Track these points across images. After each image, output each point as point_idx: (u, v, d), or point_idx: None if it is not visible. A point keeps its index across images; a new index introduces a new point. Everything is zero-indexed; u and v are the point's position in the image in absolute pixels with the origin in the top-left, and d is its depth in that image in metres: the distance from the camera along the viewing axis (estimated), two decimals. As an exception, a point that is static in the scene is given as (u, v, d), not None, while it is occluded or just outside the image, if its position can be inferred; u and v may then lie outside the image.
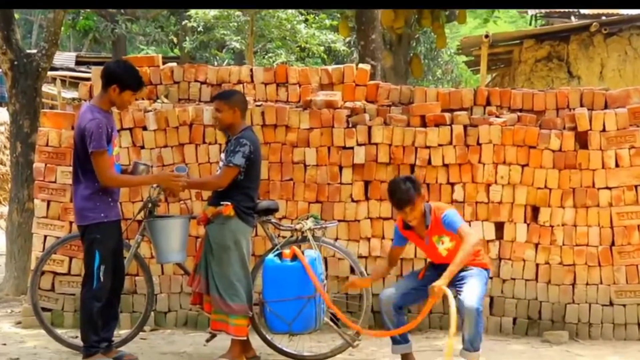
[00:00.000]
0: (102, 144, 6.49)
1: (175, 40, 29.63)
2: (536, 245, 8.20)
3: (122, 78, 6.67)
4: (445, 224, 6.61)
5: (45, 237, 8.34)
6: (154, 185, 7.25)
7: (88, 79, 9.05)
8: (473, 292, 6.50)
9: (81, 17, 29.88)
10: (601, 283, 8.14)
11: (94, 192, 6.62)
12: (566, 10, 18.20)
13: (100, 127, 6.51)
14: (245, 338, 6.93)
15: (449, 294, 6.30)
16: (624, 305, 8.12)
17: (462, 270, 6.56)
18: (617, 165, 8.10)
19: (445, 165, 8.20)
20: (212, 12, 22.51)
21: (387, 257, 7.18)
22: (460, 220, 6.68)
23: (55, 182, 8.34)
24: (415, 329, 7.98)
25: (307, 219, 7.25)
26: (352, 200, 8.34)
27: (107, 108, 6.73)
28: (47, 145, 8.39)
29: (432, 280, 6.50)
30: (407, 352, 6.88)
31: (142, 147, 8.40)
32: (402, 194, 6.59)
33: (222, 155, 7.02)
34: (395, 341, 6.84)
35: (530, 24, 22.48)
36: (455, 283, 6.56)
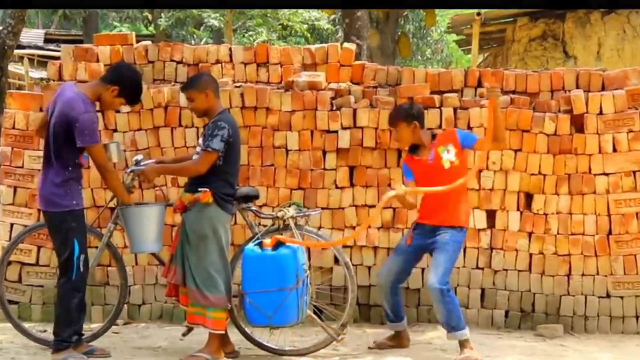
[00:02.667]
0: (97, 139, 6.68)
1: (149, 17, 29.47)
2: (529, 234, 8.24)
3: (128, 86, 6.79)
4: (461, 135, 7.30)
5: (12, 225, 8.32)
6: (127, 170, 7.25)
7: (57, 58, 8.98)
8: (437, 270, 7.02)
9: (50, -8, 29.68)
10: (598, 274, 8.18)
11: (65, 179, 6.64)
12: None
13: (95, 121, 6.65)
14: (223, 332, 6.94)
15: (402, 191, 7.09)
16: (622, 297, 8.17)
17: (437, 230, 7.18)
18: (614, 150, 8.14)
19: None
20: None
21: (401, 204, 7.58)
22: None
23: (22, 167, 8.32)
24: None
25: (289, 206, 7.25)
26: (337, 187, 8.34)
27: (94, 100, 6.77)
28: (13, 128, 8.36)
29: (421, 240, 7.23)
30: (401, 329, 7.48)
31: (115, 131, 8.38)
32: (393, 111, 7.57)
33: (200, 140, 7.01)
34: (388, 318, 7.45)
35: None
36: (431, 241, 7.18)
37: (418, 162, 7.34)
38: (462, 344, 7.07)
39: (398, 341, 7.53)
